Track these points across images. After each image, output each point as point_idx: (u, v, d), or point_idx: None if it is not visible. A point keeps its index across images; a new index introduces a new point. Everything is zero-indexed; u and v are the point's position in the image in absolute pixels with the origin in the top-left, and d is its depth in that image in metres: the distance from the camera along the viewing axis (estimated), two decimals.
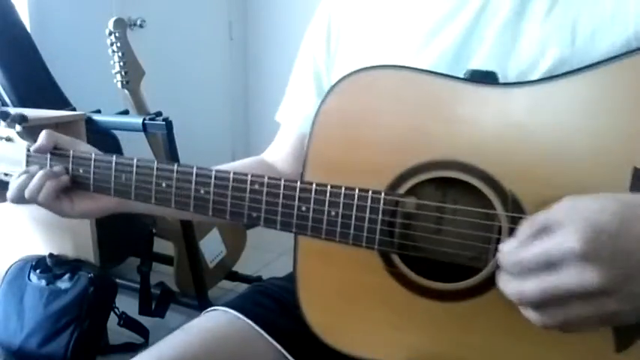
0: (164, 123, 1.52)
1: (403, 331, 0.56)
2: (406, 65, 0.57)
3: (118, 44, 1.58)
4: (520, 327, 0.48)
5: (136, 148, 1.85)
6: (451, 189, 0.55)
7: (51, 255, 1.51)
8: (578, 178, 0.49)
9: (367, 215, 0.54)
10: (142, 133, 1.61)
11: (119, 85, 1.63)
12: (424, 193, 0.55)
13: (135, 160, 0.64)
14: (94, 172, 0.67)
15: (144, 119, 1.54)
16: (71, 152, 0.68)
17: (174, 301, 1.81)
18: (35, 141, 0.68)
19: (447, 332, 0.55)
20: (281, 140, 0.81)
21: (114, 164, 0.65)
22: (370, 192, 0.54)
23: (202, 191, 0.61)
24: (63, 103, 1.79)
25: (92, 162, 0.67)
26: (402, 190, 0.54)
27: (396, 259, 0.55)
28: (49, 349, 1.41)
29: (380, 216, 0.54)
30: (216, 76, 3.05)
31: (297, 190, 0.56)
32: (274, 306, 0.71)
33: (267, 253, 2.32)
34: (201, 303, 1.74)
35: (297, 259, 0.60)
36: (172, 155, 1.59)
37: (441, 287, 0.54)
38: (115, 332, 1.67)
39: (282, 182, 0.57)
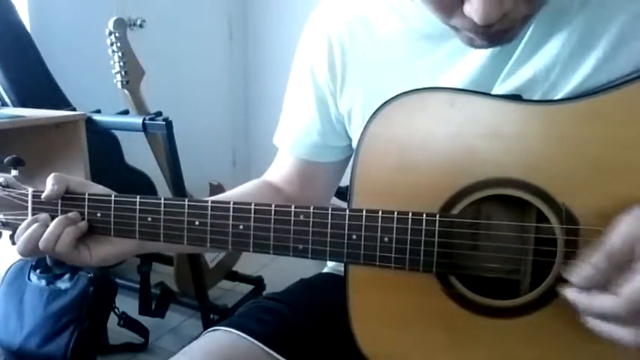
0: (164, 123, 1.52)
1: (465, 352, 0.56)
2: (452, 87, 0.57)
3: (118, 44, 1.58)
4: (582, 337, 0.49)
5: (136, 148, 1.86)
6: (497, 206, 0.55)
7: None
8: (628, 188, 0.49)
9: (423, 239, 0.53)
10: (142, 133, 1.61)
11: (119, 85, 1.63)
12: (479, 213, 0.55)
13: (162, 200, 0.60)
14: (114, 215, 0.62)
15: (144, 119, 1.54)
16: (86, 195, 0.62)
17: (174, 301, 1.81)
18: (33, 183, 0.64)
19: (510, 349, 0.54)
20: (284, 165, 0.78)
21: (138, 205, 0.61)
22: (424, 215, 0.53)
23: (241, 226, 0.58)
24: (63, 103, 1.79)
25: (112, 204, 0.62)
26: (455, 211, 0.53)
27: (454, 280, 0.55)
28: (49, 349, 1.41)
29: (437, 238, 0.53)
30: (216, 76, 3.05)
31: (347, 217, 0.55)
32: (277, 321, 0.68)
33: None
34: (201, 303, 1.74)
35: (348, 290, 0.59)
36: (172, 155, 1.59)
37: (502, 304, 0.53)
38: (115, 332, 1.67)
39: (330, 211, 0.55)
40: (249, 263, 2.09)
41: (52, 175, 0.63)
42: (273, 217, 0.57)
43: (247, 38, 3.14)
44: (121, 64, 1.60)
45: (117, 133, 1.86)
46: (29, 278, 1.49)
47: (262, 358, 0.63)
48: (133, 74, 1.62)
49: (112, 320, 1.59)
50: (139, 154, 1.87)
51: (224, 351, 0.63)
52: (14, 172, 0.65)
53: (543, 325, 0.52)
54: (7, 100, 1.72)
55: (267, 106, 2.94)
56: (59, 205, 0.63)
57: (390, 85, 0.65)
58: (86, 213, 0.63)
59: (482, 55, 0.59)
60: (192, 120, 2.45)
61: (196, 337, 0.68)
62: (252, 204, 0.58)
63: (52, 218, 0.62)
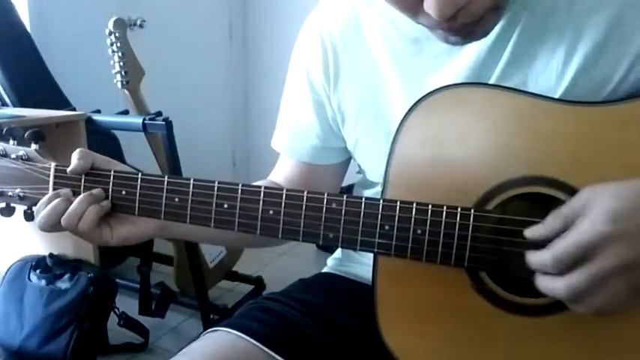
0: (164, 123, 1.52)
1: (492, 348, 0.56)
2: (493, 83, 0.57)
3: (118, 44, 1.59)
4: (609, 337, 0.50)
5: (136, 148, 1.86)
6: (532, 204, 0.55)
7: (51, 255, 1.51)
8: None
9: (457, 232, 0.53)
10: (142, 133, 1.61)
11: (119, 85, 1.63)
12: (512, 210, 0.54)
13: (191, 180, 0.59)
14: (140, 194, 0.60)
15: (144, 119, 1.54)
16: (112, 172, 0.61)
17: (174, 301, 1.81)
18: (55, 158, 0.63)
19: (539, 347, 0.54)
20: (286, 168, 0.78)
21: (165, 184, 0.60)
22: (459, 209, 0.53)
23: (271, 212, 0.57)
24: (63, 103, 1.79)
25: (139, 182, 0.60)
26: (490, 206, 0.53)
27: (485, 276, 0.54)
28: (49, 349, 1.41)
29: (470, 233, 0.53)
30: (216, 76, 3.04)
31: (380, 208, 0.55)
32: (277, 321, 0.68)
33: (267, 253, 2.32)
34: (201, 303, 1.74)
35: (376, 282, 0.58)
36: (172, 155, 1.59)
37: (531, 302, 0.53)
38: (115, 332, 1.67)
39: (363, 200, 0.55)
40: (249, 263, 2.09)
41: (78, 150, 0.62)
42: (304, 203, 0.57)
43: (247, 38, 3.14)
44: (121, 64, 1.60)
45: (117, 133, 1.86)
46: (29, 278, 1.49)
47: (261, 358, 0.63)
48: (133, 74, 1.62)
49: (112, 320, 1.59)
50: (139, 154, 1.86)
51: (223, 351, 0.63)
52: (35, 146, 0.64)
53: (571, 324, 0.52)
54: (7, 100, 1.72)
55: (267, 106, 2.94)
56: (82, 181, 0.62)
57: (379, 87, 0.66)
58: (111, 190, 0.61)
59: (471, 57, 0.60)
60: (192, 120, 2.45)
61: (196, 338, 0.68)
62: (284, 190, 0.58)
63: (74, 194, 0.61)
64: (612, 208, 0.45)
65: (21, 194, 0.64)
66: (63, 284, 1.46)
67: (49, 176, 0.63)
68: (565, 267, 0.46)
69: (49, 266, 1.49)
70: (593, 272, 0.45)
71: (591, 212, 0.45)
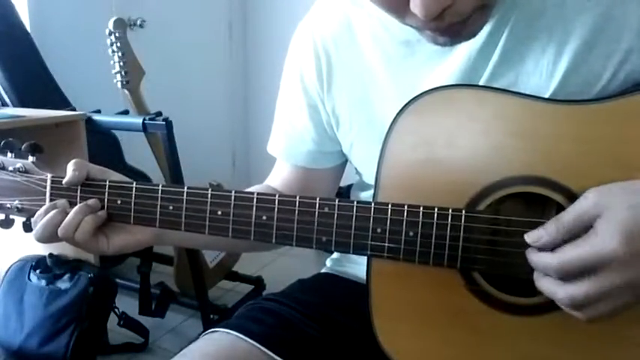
0: (164, 123, 1.52)
1: (487, 348, 0.56)
2: (483, 85, 0.57)
3: (118, 44, 1.59)
4: (606, 336, 0.50)
5: (136, 148, 1.86)
6: (524, 204, 0.55)
7: (51, 255, 1.51)
8: None
9: (448, 234, 0.53)
10: (142, 133, 1.61)
11: (119, 85, 1.63)
12: (504, 210, 0.54)
13: (185, 188, 0.60)
14: (135, 203, 0.61)
15: (144, 119, 1.54)
16: (107, 182, 0.62)
17: (174, 301, 1.81)
18: (52, 170, 0.64)
19: (534, 347, 0.54)
20: (282, 172, 0.78)
21: (160, 193, 0.61)
22: (450, 210, 0.53)
23: (265, 217, 0.58)
24: (63, 103, 1.80)
25: (133, 191, 0.62)
26: (481, 207, 0.53)
27: (478, 276, 0.54)
28: (49, 349, 1.41)
29: (462, 234, 0.53)
30: (216, 76, 3.05)
31: (372, 211, 0.55)
32: (276, 322, 0.68)
33: (267, 254, 2.32)
34: (201, 303, 1.75)
35: (370, 284, 0.58)
36: (172, 155, 1.59)
37: (525, 302, 0.53)
38: (115, 332, 1.67)
39: (355, 204, 0.55)
40: (249, 263, 2.09)
41: (73, 160, 0.63)
42: (297, 208, 0.57)
43: (247, 38, 3.14)
44: (121, 64, 1.61)
45: (117, 133, 1.86)
46: (29, 278, 1.49)
47: (260, 359, 0.63)
48: (133, 74, 1.62)
49: (112, 320, 1.59)
50: (139, 154, 1.87)
51: (223, 352, 0.63)
52: (32, 159, 0.65)
53: (566, 323, 0.52)
54: (7, 100, 1.72)
55: (267, 106, 2.93)
56: (78, 191, 0.62)
57: (372, 91, 0.66)
58: (106, 199, 0.62)
59: (462, 58, 0.60)
60: (192, 120, 2.45)
61: (195, 339, 0.68)
62: (277, 195, 0.58)
63: (71, 204, 0.62)
64: (628, 226, 0.44)
65: (19, 206, 0.65)
66: (63, 284, 1.46)
67: (45, 188, 0.64)
68: (568, 275, 0.46)
69: (49, 266, 1.49)
70: (598, 287, 0.45)
71: (605, 225, 0.45)
